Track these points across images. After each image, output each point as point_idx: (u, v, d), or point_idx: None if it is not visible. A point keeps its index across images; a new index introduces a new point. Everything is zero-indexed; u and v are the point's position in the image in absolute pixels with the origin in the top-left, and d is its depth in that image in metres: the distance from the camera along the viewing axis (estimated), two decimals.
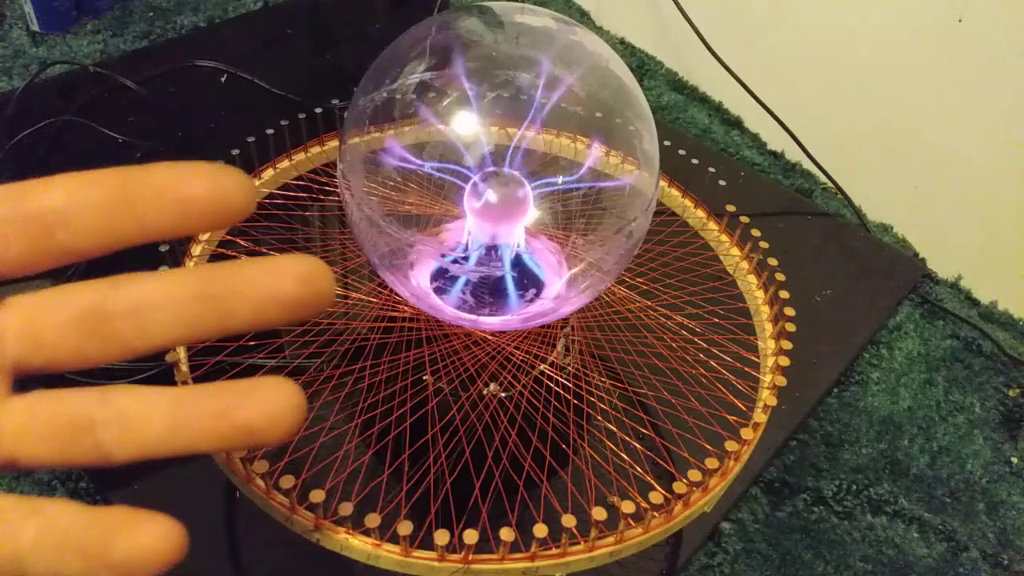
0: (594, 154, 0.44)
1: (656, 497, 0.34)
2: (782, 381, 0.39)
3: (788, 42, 0.72)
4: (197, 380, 0.37)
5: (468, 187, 0.40)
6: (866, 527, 0.48)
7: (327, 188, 0.48)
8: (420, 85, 0.40)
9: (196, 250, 0.44)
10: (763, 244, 0.46)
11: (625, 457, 0.38)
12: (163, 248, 0.41)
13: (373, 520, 0.31)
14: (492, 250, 0.41)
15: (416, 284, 0.41)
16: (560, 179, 0.42)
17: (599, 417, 0.42)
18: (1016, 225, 0.62)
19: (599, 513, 0.31)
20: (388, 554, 0.32)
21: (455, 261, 0.42)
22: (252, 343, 0.41)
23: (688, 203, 0.50)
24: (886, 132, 0.68)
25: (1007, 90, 0.59)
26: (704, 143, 0.75)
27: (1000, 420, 0.55)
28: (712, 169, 0.50)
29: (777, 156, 0.74)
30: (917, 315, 0.62)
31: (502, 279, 0.41)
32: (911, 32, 0.64)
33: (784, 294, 0.43)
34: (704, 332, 0.44)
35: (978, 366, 0.58)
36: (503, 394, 0.40)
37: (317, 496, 0.31)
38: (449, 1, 0.80)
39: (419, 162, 0.41)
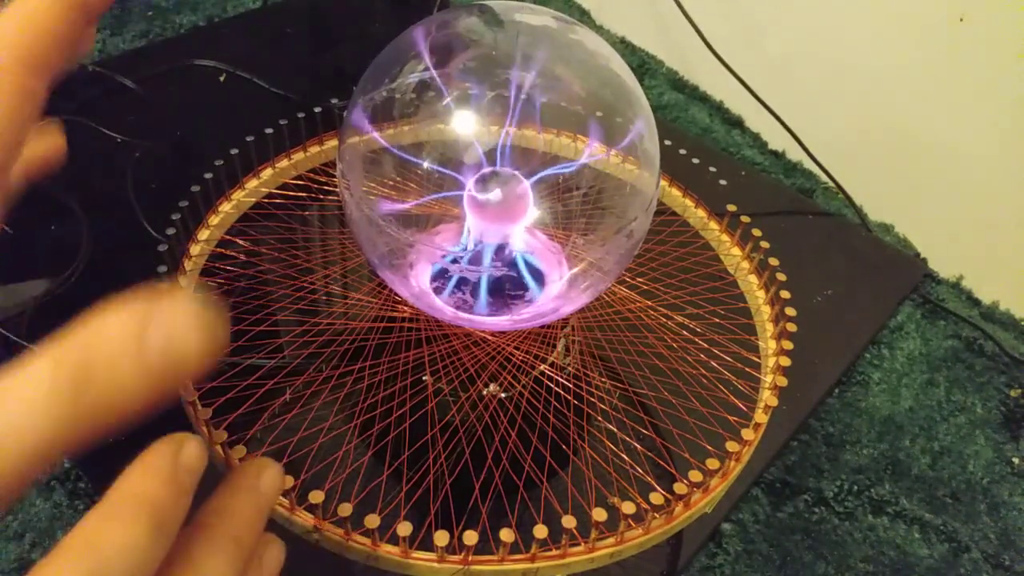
0: (590, 150, 0.43)
1: (657, 498, 0.33)
2: (783, 381, 0.39)
3: (789, 41, 0.72)
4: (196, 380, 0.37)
5: (468, 187, 0.40)
6: (867, 528, 0.48)
7: (326, 188, 0.48)
8: (420, 85, 0.40)
9: (195, 250, 0.44)
10: (764, 244, 0.46)
11: (625, 458, 0.38)
12: (162, 248, 0.41)
13: (372, 521, 0.31)
14: (492, 250, 0.41)
15: (416, 284, 0.41)
16: (560, 177, 0.42)
17: (599, 418, 0.42)
18: (1018, 225, 0.62)
19: (599, 514, 0.31)
20: (387, 555, 0.32)
21: (455, 261, 0.42)
22: (251, 343, 0.41)
23: (689, 203, 0.50)
24: (887, 132, 0.68)
25: (1008, 89, 0.59)
26: (705, 142, 0.75)
27: (1002, 420, 0.55)
28: (713, 168, 0.50)
29: (778, 156, 0.74)
30: (918, 315, 0.61)
31: (502, 279, 0.41)
32: (912, 31, 0.63)
33: (785, 294, 0.43)
34: (705, 332, 0.44)
35: (980, 366, 0.58)
36: (503, 394, 0.40)
37: (316, 497, 0.31)
38: (449, 0, 0.80)
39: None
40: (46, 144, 0.24)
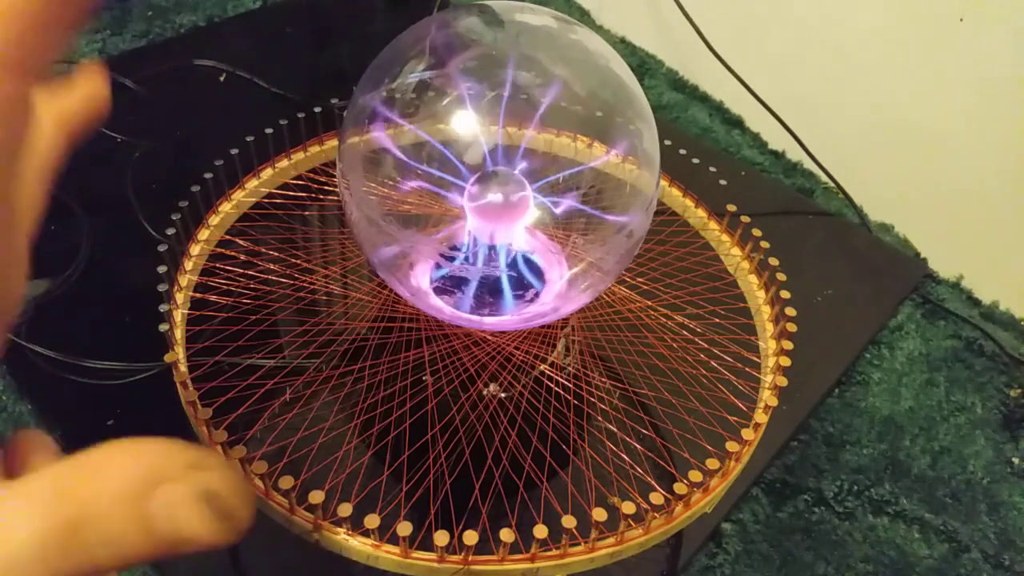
0: (597, 156, 0.43)
1: (657, 498, 0.33)
2: (783, 381, 0.39)
3: (789, 41, 0.72)
4: (196, 380, 0.37)
5: (468, 187, 0.40)
6: (867, 528, 0.48)
7: (326, 188, 0.48)
8: (420, 84, 0.40)
9: (195, 250, 0.44)
10: (764, 244, 0.46)
11: (625, 458, 0.38)
12: (162, 248, 0.41)
13: (372, 521, 0.31)
14: (492, 250, 0.41)
15: (416, 284, 0.41)
16: (560, 178, 0.42)
17: (599, 417, 0.42)
18: (1018, 225, 0.62)
19: (599, 514, 0.31)
20: (387, 555, 0.32)
21: (454, 261, 0.42)
22: (251, 343, 0.41)
23: (689, 203, 0.50)
24: (887, 131, 0.68)
25: (1009, 89, 0.59)
26: (705, 142, 0.75)
27: (1001, 420, 0.55)
28: (713, 168, 0.50)
29: (778, 155, 0.74)
30: (918, 315, 0.61)
31: (502, 279, 0.41)
32: (912, 31, 0.63)
33: (785, 294, 0.43)
34: (705, 332, 0.44)
35: (979, 366, 0.58)
36: (503, 394, 0.40)
37: (316, 497, 0.31)
38: (449, 0, 0.80)
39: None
40: (82, 94, 0.21)
